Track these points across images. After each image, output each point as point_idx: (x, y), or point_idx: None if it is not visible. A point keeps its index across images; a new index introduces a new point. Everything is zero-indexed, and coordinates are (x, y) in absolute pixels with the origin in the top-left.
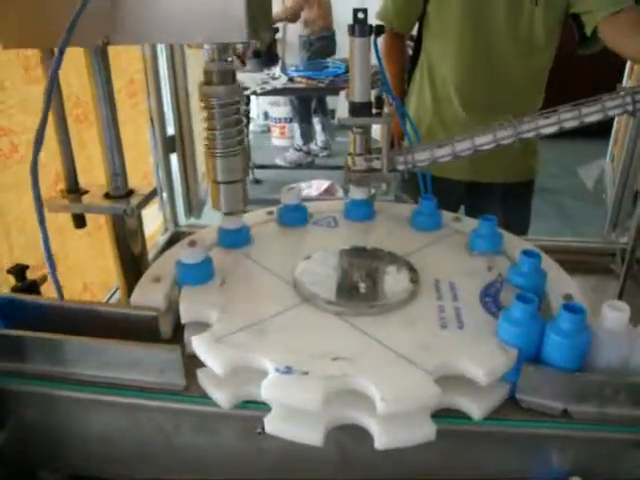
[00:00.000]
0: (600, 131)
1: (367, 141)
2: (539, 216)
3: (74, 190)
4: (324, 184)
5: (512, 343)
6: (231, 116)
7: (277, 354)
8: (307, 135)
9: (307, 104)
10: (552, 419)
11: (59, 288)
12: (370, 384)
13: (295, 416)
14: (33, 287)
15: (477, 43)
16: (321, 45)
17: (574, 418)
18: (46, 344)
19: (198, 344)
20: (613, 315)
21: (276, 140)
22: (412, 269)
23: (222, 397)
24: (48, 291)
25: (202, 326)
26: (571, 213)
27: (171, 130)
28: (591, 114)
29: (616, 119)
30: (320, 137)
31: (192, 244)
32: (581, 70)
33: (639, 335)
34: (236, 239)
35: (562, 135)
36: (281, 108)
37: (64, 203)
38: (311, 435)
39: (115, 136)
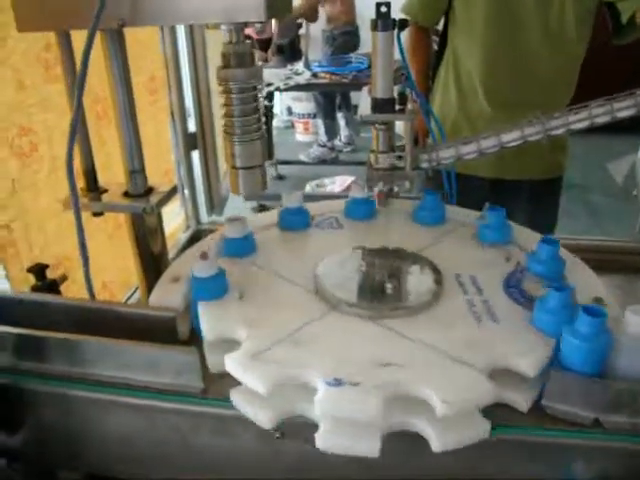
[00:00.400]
0: (631, 126)
1: (390, 138)
2: (566, 213)
3: (93, 188)
4: (347, 180)
5: (550, 333)
6: (250, 100)
7: (322, 367)
8: (331, 131)
9: (331, 100)
10: (582, 428)
11: (90, 286)
12: (428, 388)
13: (347, 429)
14: (53, 286)
15: (504, 36)
16: (344, 40)
17: (606, 428)
18: (64, 344)
19: (233, 363)
20: (637, 320)
21: (300, 136)
22: (433, 265)
23: (265, 417)
24: (67, 290)
25: (225, 343)
26: (600, 210)
27: (192, 127)
28: (623, 109)
29: None
30: (344, 132)
31: (204, 257)
32: (614, 61)
33: None
34: (242, 248)
35: (591, 130)
36: (304, 104)
37: (83, 202)
38: (367, 446)
39: (134, 130)
